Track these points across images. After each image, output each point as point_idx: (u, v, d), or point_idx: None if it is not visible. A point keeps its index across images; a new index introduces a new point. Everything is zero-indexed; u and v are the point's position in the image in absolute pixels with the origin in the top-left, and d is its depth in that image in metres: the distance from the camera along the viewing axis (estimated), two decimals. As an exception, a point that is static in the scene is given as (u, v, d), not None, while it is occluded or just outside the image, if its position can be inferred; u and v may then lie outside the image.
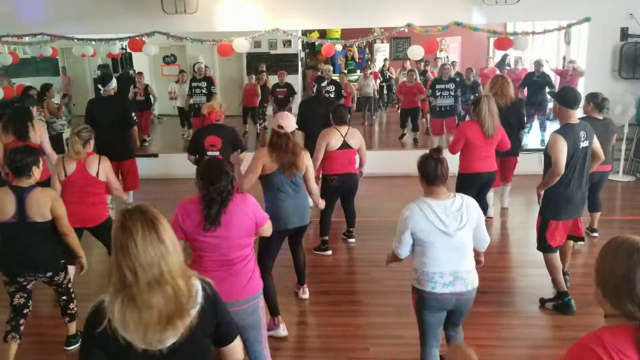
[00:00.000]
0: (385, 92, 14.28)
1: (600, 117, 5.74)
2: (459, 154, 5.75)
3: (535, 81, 10.08)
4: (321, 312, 4.86)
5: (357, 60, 15.76)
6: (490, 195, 6.84)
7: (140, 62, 13.40)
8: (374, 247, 6.20)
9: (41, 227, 3.87)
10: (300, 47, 14.27)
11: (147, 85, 11.55)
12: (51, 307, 4.87)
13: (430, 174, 3.23)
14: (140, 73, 11.94)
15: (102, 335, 1.88)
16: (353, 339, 4.46)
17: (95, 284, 5.42)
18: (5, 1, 8.92)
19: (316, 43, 9.72)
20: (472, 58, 13.09)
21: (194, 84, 10.39)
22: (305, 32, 10.11)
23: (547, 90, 9.63)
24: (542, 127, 10.38)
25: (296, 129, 4.62)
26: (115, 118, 6.78)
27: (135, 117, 7.06)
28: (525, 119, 6.47)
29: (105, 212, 4.91)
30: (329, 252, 6.14)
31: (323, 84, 7.43)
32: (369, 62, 15.30)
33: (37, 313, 4.65)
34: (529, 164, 7.60)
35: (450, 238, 3.20)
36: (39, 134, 6.07)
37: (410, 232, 3.23)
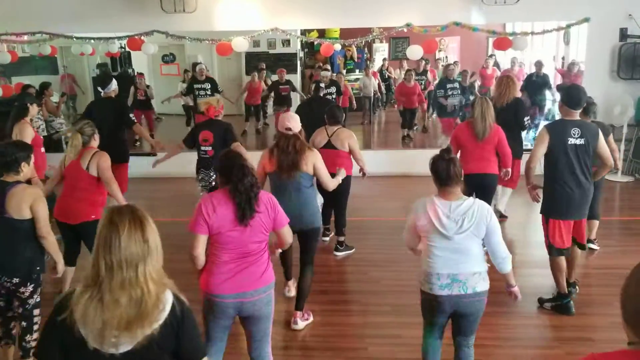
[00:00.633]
0: (384, 91, 14.26)
1: (588, 121, 5.71)
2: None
3: (535, 82, 10.10)
4: (319, 311, 4.85)
5: (356, 60, 15.73)
6: (509, 191, 6.84)
7: (139, 61, 13.34)
8: (372, 246, 6.20)
9: (18, 224, 3.66)
10: (299, 46, 14.22)
11: (147, 86, 11.59)
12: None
13: (442, 175, 3.22)
14: (141, 74, 11.94)
15: (62, 324, 1.88)
16: (351, 339, 4.46)
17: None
18: (4, 0, 8.92)
19: (315, 43, 9.69)
20: (471, 58, 13.06)
21: (196, 86, 10.36)
22: (304, 32, 10.09)
23: (557, 84, 9.67)
24: (542, 128, 10.38)
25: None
26: (114, 121, 6.76)
27: (133, 117, 7.04)
28: (525, 118, 6.38)
29: (90, 212, 4.62)
30: (327, 239, 6.30)
31: (322, 93, 7.45)
32: (368, 62, 15.28)
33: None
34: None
35: (448, 240, 3.18)
36: (27, 133, 5.91)
37: (413, 224, 3.30)
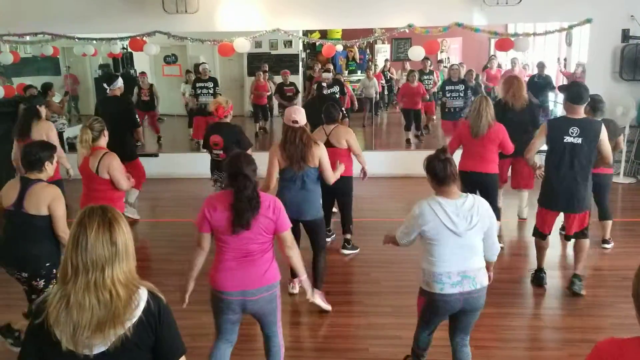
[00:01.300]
0: (386, 92, 14.26)
1: (598, 119, 5.73)
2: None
3: (537, 83, 10.09)
4: (320, 312, 4.84)
5: (357, 61, 15.75)
6: (525, 195, 6.90)
7: (141, 62, 13.37)
8: (373, 247, 6.18)
9: (34, 221, 3.78)
10: (301, 47, 14.25)
11: (151, 85, 11.58)
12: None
13: (439, 174, 3.22)
14: (143, 73, 11.95)
15: (38, 327, 1.87)
16: (352, 340, 4.46)
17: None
18: (6, 0, 8.92)
19: (317, 43, 9.69)
20: (473, 59, 13.06)
21: (199, 84, 10.38)
22: (306, 33, 10.10)
23: (559, 86, 9.65)
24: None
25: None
26: (121, 118, 6.78)
27: (137, 119, 7.09)
28: (538, 121, 6.43)
29: None
30: (332, 237, 6.31)
31: (325, 92, 7.44)
32: (370, 63, 15.29)
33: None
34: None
35: (459, 238, 3.18)
36: (44, 132, 6.04)
37: (417, 226, 3.25)
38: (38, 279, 3.86)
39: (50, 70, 11.65)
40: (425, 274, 3.30)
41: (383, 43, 15.14)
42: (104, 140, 4.83)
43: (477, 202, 3.23)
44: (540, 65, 10.20)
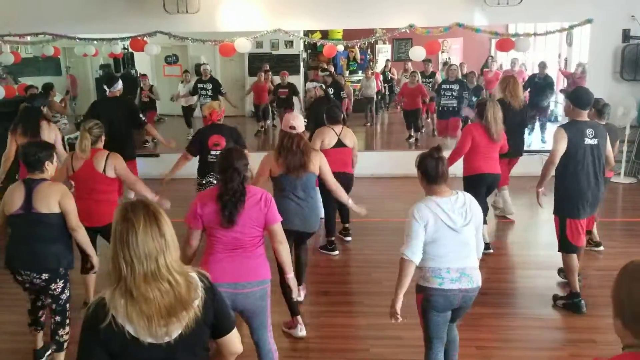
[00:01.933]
0: (387, 93, 14.27)
1: (603, 122, 5.74)
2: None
3: (538, 83, 10.10)
4: (321, 312, 4.85)
5: (358, 61, 15.77)
6: (506, 195, 6.94)
7: (142, 62, 13.41)
8: (374, 247, 6.21)
9: (46, 219, 3.74)
10: (302, 47, 14.27)
11: (151, 86, 11.61)
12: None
13: (431, 173, 3.22)
14: (144, 75, 11.97)
15: (106, 331, 1.87)
16: (353, 340, 4.46)
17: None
18: (7, 0, 8.93)
19: (318, 44, 9.69)
20: (474, 59, 13.09)
21: (200, 85, 10.40)
22: (307, 33, 10.11)
23: (560, 89, 9.67)
24: (543, 129, 10.38)
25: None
26: (122, 119, 6.77)
27: (144, 117, 7.09)
28: (526, 120, 6.49)
29: (111, 214, 4.69)
30: (336, 253, 6.15)
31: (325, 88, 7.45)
32: (371, 63, 15.30)
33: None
34: (530, 165, 7.59)
35: (457, 234, 3.19)
36: (54, 133, 6.09)
37: (420, 231, 3.17)
38: (58, 280, 3.82)
39: (51, 71, 11.66)
40: (423, 270, 3.28)
41: (384, 43, 15.17)
42: (101, 144, 4.79)
43: (467, 198, 3.26)
44: (542, 65, 10.20)
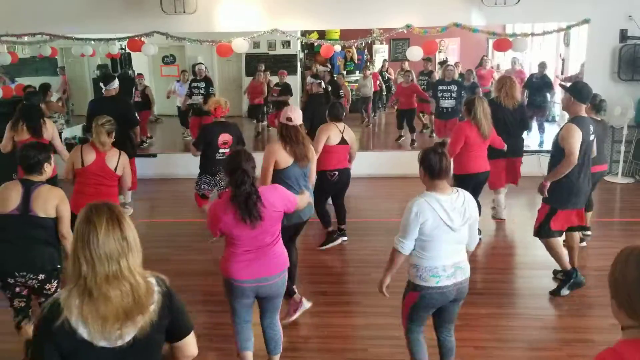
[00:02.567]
0: (384, 93, 14.27)
1: (599, 119, 5.78)
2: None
3: (536, 82, 10.10)
4: (319, 312, 4.84)
5: (356, 62, 15.76)
6: (502, 198, 6.91)
7: (139, 63, 13.38)
8: (371, 247, 6.20)
9: (43, 222, 3.76)
10: (299, 47, 14.25)
11: (145, 87, 11.59)
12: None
13: (434, 168, 3.21)
14: (140, 74, 11.95)
15: (58, 332, 1.86)
16: (351, 340, 4.46)
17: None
18: (4, 0, 8.91)
19: (315, 44, 9.68)
20: (471, 59, 13.08)
21: (193, 85, 10.39)
22: (304, 33, 10.10)
23: (559, 83, 9.67)
24: (541, 129, 10.39)
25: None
26: (119, 118, 6.74)
27: (137, 119, 7.09)
28: (527, 121, 6.49)
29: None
30: (342, 239, 6.30)
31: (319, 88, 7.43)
32: (368, 63, 15.30)
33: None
34: (528, 166, 7.60)
35: (454, 233, 3.20)
36: (50, 131, 6.22)
37: (417, 225, 3.18)
38: (52, 280, 3.83)
39: (48, 71, 11.63)
40: (420, 269, 3.27)
41: (381, 43, 15.16)
42: (111, 141, 5.03)
43: (467, 197, 3.28)
44: (541, 66, 10.20)
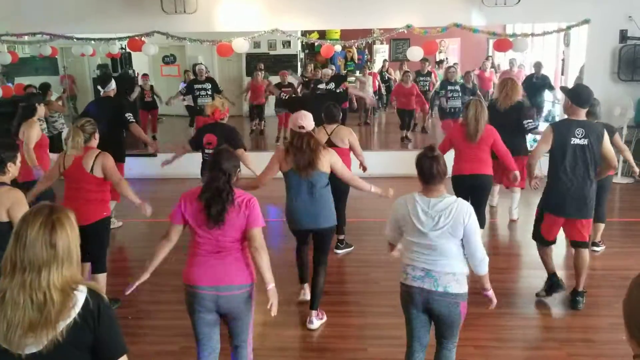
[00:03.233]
0: (384, 93, 14.29)
1: (594, 121, 5.73)
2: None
3: (535, 83, 10.11)
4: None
5: (356, 61, 15.78)
6: (517, 196, 6.92)
7: (139, 62, 13.40)
8: (371, 247, 6.20)
9: None
10: (299, 47, 14.28)
11: (152, 86, 11.66)
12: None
13: (425, 172, 3.22)
14: (146, 75, 11.98)
15: None
16: (351, 340, 4.46)
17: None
18: (4, 0, 8.91)
19: (315, 44, 9.69)
20: (472, 60, 13.10)
21: (197, 86, 10.34)
22: (304, 33, 10.11)
23: (560, 86, 9.67)
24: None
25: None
26: (110, 119, 6.72)
27: (130, 117, 6.97)
28: (525, 121, 6.35)
29: (102, 210, 4.61)
30: (352, 247, 6.25)
31: (321, 86, 7.40)
32: (368, 63, 15.32)
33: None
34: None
35: (424, 236, 3.19)
36: (23, 130, 5.91)
37: (394, 219, 3.36)
38: None
39: (48, 71, 11.65)
40: (401, 264, 3.38)
41: (382, 43, 15.19)
42: (94, 142, 4.70)
43: (454, 206, 3.16)
44: (537, 65, 10.20)
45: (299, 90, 10.96)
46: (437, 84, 11.40)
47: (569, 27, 8.85)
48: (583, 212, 4.68)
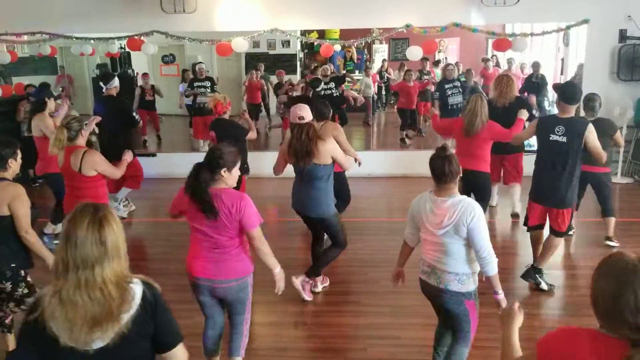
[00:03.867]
0: (383, 92, 14.29)
1: (592, 118, 5.74)
2: None
3: (534, 83, 10.10)
4: (319, 312, 4.85)
5: (355, 61, 15.77)
6: (517, 189, 6.99)
7: (139, 62, 13.38)
8: (371, 247, 6.21)
9: None
10: (299, 47, 14.26)
11: (152, 86, 11.66)
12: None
13: (436, 172, 3.27)
14: (146, 74, 11.97)
15: (35, 323, 1.86)
16: (350, 340, 4.46)
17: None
18: (3, -1, 8.92)
19: (315, 43, 9.68)
20: (471, 59, 13.09)
21: (197, 84, 10.35)
22: (304, 33, 10.10)
23: (553, 84, 9.68)
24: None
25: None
26: (118, 118, 6.74)
27: (138, 117, 7.06)
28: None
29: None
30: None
31: (319, 87, 7.38)
32: (368, 63, 15.31)
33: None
34: (527, 165, 7.60)
35: (432, 234, 3.30)
36: (36, 124, 6.09)
37: (411, 216, 3.46)
38: (4, 281, 3.70)
39: (48, 70, 11.65)
40: None
41: (381, 43, 15.17)
42: (82, 140, 4.70)
43: (459, 206, 3.19)
44: (536, 65, 10.21)
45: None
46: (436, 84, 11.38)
47: (568, 27, 8.85)
48: (557, 202, 4.92)
